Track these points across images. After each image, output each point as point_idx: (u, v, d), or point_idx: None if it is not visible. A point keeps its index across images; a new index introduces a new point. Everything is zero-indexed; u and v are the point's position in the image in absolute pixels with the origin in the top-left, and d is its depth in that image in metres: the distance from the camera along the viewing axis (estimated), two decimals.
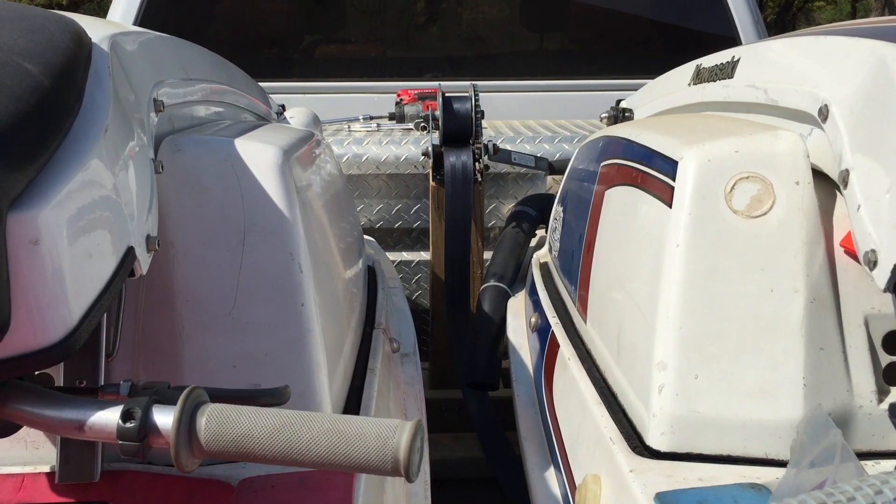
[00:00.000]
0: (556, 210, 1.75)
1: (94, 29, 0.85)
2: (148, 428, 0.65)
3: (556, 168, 2.18)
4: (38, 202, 0.63)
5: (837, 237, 0.96)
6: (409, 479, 0.62)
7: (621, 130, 1.38)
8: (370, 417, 0.80)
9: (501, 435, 1.82)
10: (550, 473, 1.27)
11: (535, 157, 2.20)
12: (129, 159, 0.79)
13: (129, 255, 0.74)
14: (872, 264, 0.79)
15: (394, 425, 0.63)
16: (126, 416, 0.64)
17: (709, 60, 1.39)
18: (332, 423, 0.64)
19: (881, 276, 0.78)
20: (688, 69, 1.49)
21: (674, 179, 1.01)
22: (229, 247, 0.95)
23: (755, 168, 0.97)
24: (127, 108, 0.83)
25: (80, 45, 0.77)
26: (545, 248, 1.87)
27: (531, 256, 1.97)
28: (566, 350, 1.32)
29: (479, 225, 2.10)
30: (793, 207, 0.96)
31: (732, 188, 0.97)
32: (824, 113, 0.93)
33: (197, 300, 0.94)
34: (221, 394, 0.70)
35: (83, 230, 0.68)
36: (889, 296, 0.82)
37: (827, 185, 0.97)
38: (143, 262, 0.78)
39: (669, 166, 1.03)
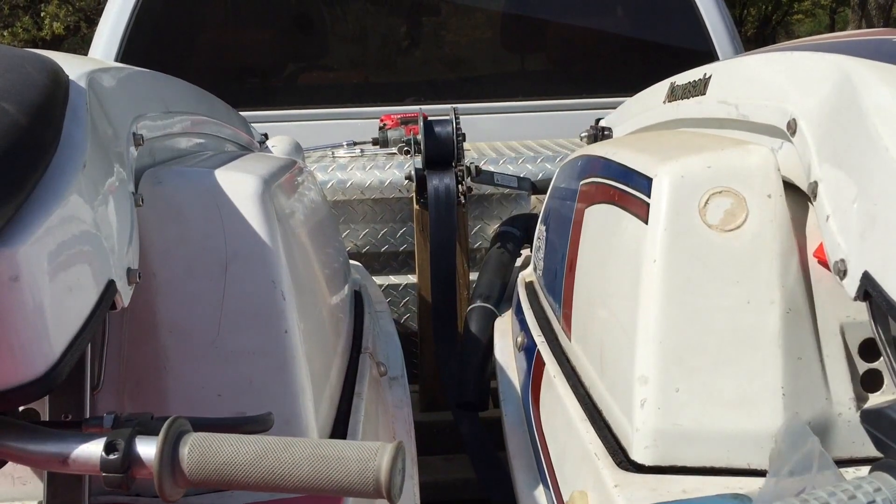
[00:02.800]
0: (540, 229, 1.77)
1: (72, 66, 0.86)
2: (131, 459, 0.65)
3: (538, 187, 2.20)
4: (17, 239, 0.64)
5: (811, 248, 0.98)
6: (391, 500, 0.63)
7: (599, 149, 1.40)
8: (352, 441, 0.80)
9: (493, 455, 1.82)
10: (539, 491, 1.28)
11: (518, 177, 2.22)
12: (109, 193, 0.80)
13: (110, 288, 0.75)
14: (842, 273, 0.81)
15: (374, 447, 0.64)
16: (109, 448, 0.65)
17: (682, 78, 1.41)
18: (314, 447, 0.64)
19: (851, 284, 0.79)
20: (662, 87, 1.51)
21: (649, 196, 1.03)
22: (212, 277, 0.95)
23: (728, 182, 0.99)
24: (106, 143, 0.84)
25: (57, 83, 0.79)
26: (530, 268, 1.89)
27: (517, 276, 1.98)
28: (552, 368, 1.33)
29: (464, 246, 2.11)
30: (766, 220, 0.97)
31: (706, 203, 0.99)
32: (793, 126, 0.95)
33: (181, 330, 0.94)
34: (205, 423, 0.71)
35: (63, 265, 0.68)
36: (864, 304, 0.83)
37: (799, 198, 0.99)
38: (125, 294, 0.79)
39: (644, 183, 1.05)
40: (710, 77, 1.28)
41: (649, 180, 1.03)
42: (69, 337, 0.68)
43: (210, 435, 0.66)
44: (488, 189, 2.28)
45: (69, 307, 0.69)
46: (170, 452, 0.64)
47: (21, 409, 0.90)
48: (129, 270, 0.81)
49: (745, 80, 1.20)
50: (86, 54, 2.83)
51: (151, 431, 0.66)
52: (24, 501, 0.90)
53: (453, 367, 1.93)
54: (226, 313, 0.95)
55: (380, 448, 0.64)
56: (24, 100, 0.71)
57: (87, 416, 0.83)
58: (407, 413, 1.48)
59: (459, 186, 2.05)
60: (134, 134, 0.95)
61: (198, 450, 0.65)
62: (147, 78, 1.14)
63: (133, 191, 0.89)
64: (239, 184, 0.99)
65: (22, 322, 0.64)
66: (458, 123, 2.05)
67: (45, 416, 0.86)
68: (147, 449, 0.65)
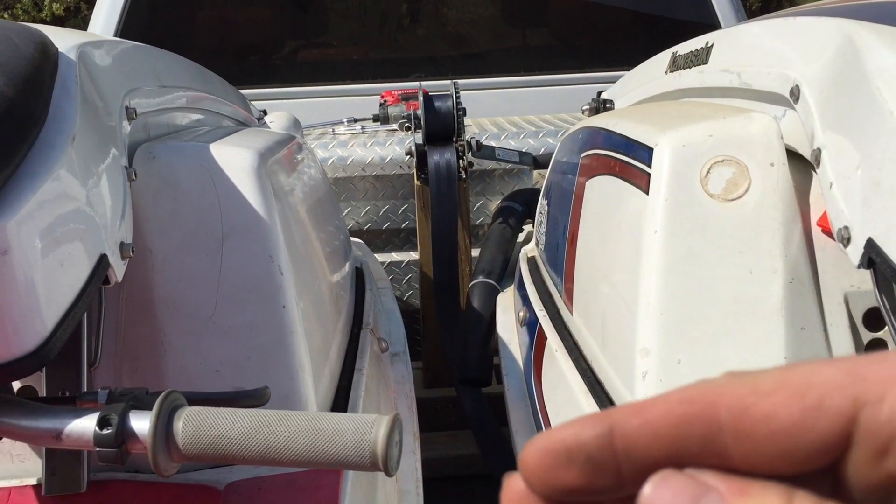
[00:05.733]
0: (541, 203, 1.75)
1: (62, 39, 0.85)
2: (125, 434, 0.65)
3: (540, 162, 2.18)
4: (5, 213, 0.63)
5: (814, 217, 0.96)
6: (387, 473, 0.62)
7: (599, 120, 1.39)
8: (348, 414, 0.80)
9: (497, 430, 1.82)
10: None
11: (520, 151, 2.20)
12: (100, 167, 0.79)
13: (103, 262, 0.74)
14: (846, 241, 0.79)
15: (370, 420, 0.63)
16: (102, 423, 0.64)
17: (684, 47, 1.39)
18: (310, 420, 0.64)
19: (855, 252, 0.78)
20: (664, 57, 1.49)
21: (650, 166, 1.01)
22: (208, 252, 0.95)
23: (729, 151, 0.98)
24: (97, 117, 0.83)
25: (46, 55, 0.77)
26: (532, 243, 1.87)
27: (519, 251, 1.97)
28: (553, 342, 1.32)
29: (465, 222, 2.10)
30: (768, 189, 0.96)
31: (708, 172, 0.97)
32: (796, 93, 0.93)
33: (178, 306, 0.94)
34: (200, 397, 0.70)
35: (53, 239, 0.68)
36: (868, 273, 0.82)
37: (803, 166, 0.97)
38: (118, 269, 0.78)
39: (645, 153, 1.03)
40: (711, 45, 1.26)
41: (650, 150, 1.02)
42: (61, 311, 0.67)
43: (205, 409, 0.65)
44: (490, 164, 2.26)
45: (60, 281, 0.68)
46: (164, 426, 0.63)
47: (19, 386, 0.90)
48: (122, 245, 0.80)
49: (747, 47, 1.18)
50: None
51: (145, 406, 0.66)
52: (22, 479, 0.90)
53: (456, 343, 1.92)
54: (223, 288, 0.94)
55: (376, 420, 0.63)
56: (11, 71, 0.70)
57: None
58: (409, 389, 1.48)
59: (460, 162, 2.04)
60: (127, 108, 0.93)
61: (192, 424, 0.64)
62: (140, 52, 1.13)
63: (126, 165, 0.88)
64: (234, 158, 0.98)
65: (13, 297, 0.63)
66: (458, 97, 2.03)
67: (43, 394, 0.85)
68: (141, 423, 0.64)
